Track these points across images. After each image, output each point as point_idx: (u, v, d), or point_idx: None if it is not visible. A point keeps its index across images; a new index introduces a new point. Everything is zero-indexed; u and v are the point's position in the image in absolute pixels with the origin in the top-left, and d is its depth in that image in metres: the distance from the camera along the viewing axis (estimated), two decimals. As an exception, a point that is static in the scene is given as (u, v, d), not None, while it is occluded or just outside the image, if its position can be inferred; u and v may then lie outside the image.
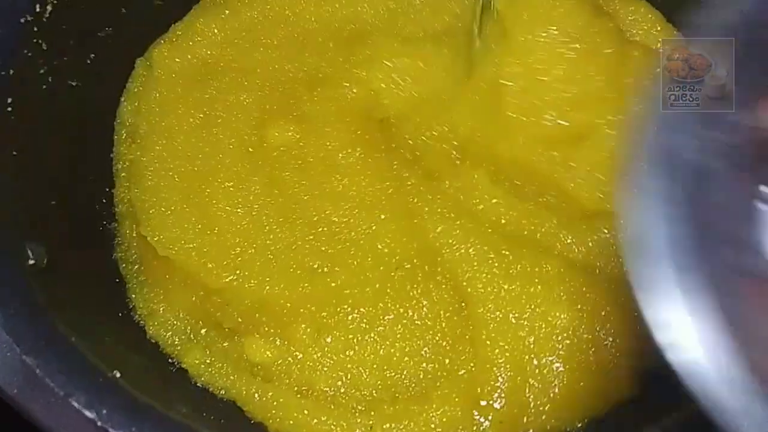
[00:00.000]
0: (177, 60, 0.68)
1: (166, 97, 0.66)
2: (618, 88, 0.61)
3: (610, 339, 0.58)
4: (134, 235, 0.62)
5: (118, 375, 0.49)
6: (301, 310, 0.57)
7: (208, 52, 0.69)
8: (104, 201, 0.65)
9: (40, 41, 0.59)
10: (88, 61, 0.64)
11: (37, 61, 0.59)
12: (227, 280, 0.58)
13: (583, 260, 0.61)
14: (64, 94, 0.61)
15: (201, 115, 0.65)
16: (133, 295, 0.60)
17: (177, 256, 0.58)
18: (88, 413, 0.45)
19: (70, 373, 0.47)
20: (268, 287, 0.57)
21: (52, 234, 0.56)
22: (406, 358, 0.56)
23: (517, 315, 0.58)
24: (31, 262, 0.53)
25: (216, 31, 0.70)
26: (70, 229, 0.60)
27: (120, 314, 0.60)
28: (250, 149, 0.63)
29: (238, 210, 0.61)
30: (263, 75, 0.67)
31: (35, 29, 0.58)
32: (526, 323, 0.58)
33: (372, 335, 0.57)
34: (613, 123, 0.60)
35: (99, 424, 0.45)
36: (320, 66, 0.67)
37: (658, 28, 0.72)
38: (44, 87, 0.60)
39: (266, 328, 0.56)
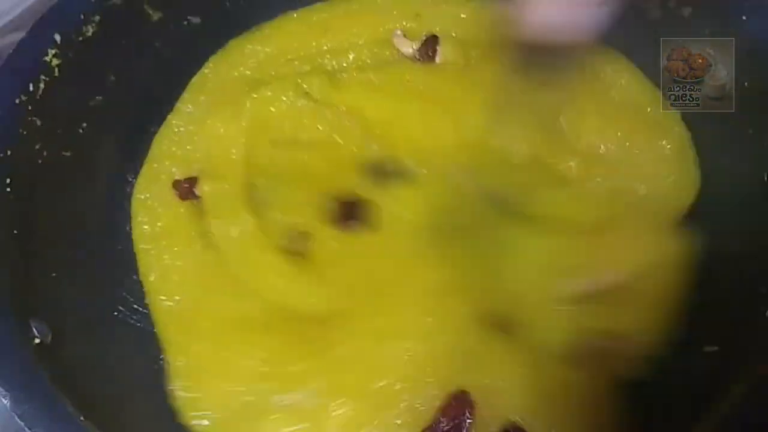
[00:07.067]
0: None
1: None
2: None
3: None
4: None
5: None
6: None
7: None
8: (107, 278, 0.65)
9: (34, 118, 0.59)
10: (80, 131, 0.65)
11: (33, 138, 0.59)
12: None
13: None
14: (59, 165, 0.62)
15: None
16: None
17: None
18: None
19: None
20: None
21: (55, 309, 0.57)
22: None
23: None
24: (37, 341, 0.52)
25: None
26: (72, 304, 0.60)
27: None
28: None
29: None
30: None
31: (29, 108, 0.59)
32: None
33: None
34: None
35: None
36: None
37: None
38: (40, 162, 0.60)
39: None
